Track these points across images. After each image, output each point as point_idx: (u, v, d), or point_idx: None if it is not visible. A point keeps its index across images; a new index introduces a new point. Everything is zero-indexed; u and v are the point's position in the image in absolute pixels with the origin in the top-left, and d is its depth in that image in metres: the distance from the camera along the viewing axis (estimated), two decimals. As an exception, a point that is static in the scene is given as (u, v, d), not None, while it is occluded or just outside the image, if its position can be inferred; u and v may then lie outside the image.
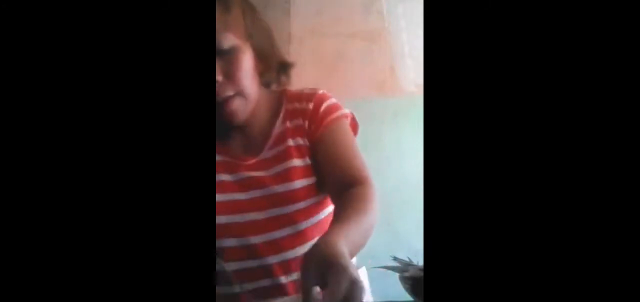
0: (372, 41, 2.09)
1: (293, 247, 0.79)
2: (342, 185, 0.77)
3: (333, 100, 0.84)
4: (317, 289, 0.56)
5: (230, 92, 0.74)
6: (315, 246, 0.59)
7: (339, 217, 0.70)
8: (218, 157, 0.78)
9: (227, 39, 0.73)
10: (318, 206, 0.82)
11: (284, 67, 0.83)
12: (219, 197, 0.76)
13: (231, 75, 0.74)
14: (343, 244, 0.59)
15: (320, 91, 0.84)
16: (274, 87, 0.85)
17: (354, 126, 0.86)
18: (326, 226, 0.78)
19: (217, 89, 0.72)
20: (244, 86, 0.75)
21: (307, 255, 0.57)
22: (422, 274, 0.76)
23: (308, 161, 0.80)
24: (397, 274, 0.82)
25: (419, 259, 0.74)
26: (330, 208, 0.83)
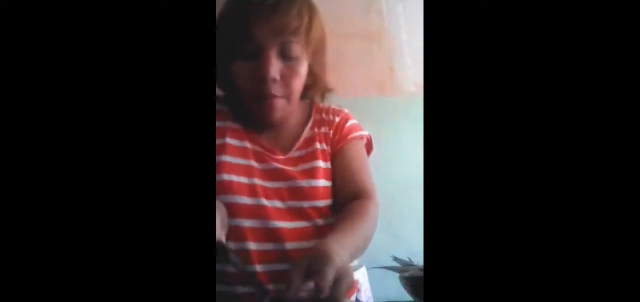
0: (371, 41, 2.08)
1: (310, 239, 0.83)
2: (348, 195, 0.84)
3: (356, 121, 0.93)
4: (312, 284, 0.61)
5: (278, 93, 0.80)
6: (311, 249, 0.65)
7: (337, 226, 0.76)
8: (249, 145, 0.85)
9: (298, 49, 0.80)
10: (331, 209, 0.87)
11: (325, 91, 0.92)
12: (246, 180, 0.81)
13: (286, 80, 0.80)
14: (337, 248, 0.65)
15: (346, 110, 0.94)
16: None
17: (369, 147, 0.95)
18: None
19: (270, 86, 0.79)
20: (293, 92, 0.82)
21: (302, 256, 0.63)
22: (422, 274, 0.76)
23: (329, 165, 0.87)
24: (397, 274, 0.82)
25: (419, 259, 0.74)
26: None
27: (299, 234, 0.82)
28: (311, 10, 0.82)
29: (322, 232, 0.84)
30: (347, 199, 0.84)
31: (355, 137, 0.90)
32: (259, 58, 0.78)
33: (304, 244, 0.82)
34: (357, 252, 0.77)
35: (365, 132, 0.93)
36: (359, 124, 0.93)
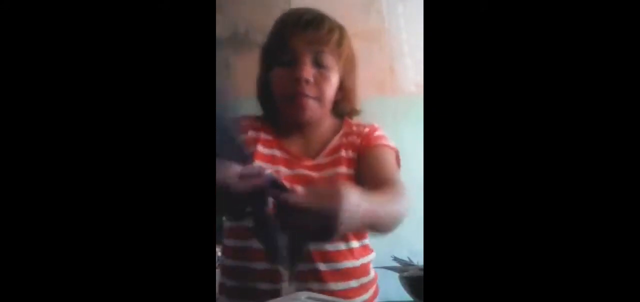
0: (371, 41, 2.09)
1: (334, 242, 0.85)
2: (376, 185, 0.83)
3: (384, 133, 0.96)
4: None
5: (311, 93, 0.88)
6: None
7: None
8: (278, 153, 0.91)
9: (329, 60, 0.89)
10: None
11: (353, 113, 0.98)
12: None
13: (318, 83, 0.89)
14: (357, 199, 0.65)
15: (378, 125, 0.98)
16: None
17: (397, 162, 0.95)
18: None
19: (303, 85, 0.87)
20: (323, 96, 0.90)
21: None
22: (422, 274, 0.76)
23: (352, 171, 0.90)
24: (397, 274, 0.82)
25: (419, 259, 0.75)
26: None
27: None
28: (341, 30, 0.92)
29: (344, 238, 0.86)
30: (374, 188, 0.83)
31: (384, 145, 0.92)
32: (295, 63, 0.87)
33: (327, 245, 0.84)
34: (376, 219, 0.75)
35: (393, 144, 0.94)
36: (388, 137, 0.95)
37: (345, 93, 0.94)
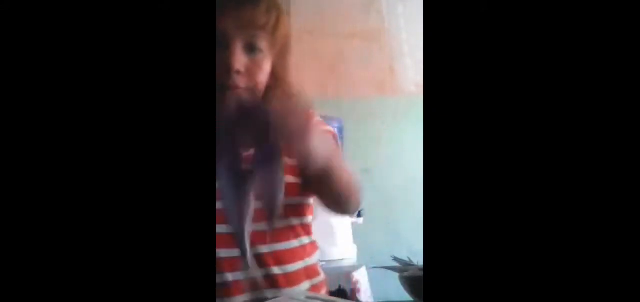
0: (371, 41, 2.09)
1: (287, 240, 0.82)
2: None
3: (320, 119, 0.92)
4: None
5: (241, 84, 0.80)
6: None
7: None
8: None
9: (263, 44, 0.81)
10: (302, 208, 0.86)
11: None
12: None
13: (250, 73, 0.80)
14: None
15: (311, 111, 0.92)
16: None
17: (335, 141, 0.92)
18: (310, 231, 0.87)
19: (233, 77, 0.79)
20: (257, 85, 0.82)
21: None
22: (422, 274, 0.76)
23: (295, 162, 0.85)
24: (397, 274, 0.82)
25: (419, 259, 0.75)
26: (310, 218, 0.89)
27: (271, 237, 0.80)
28: (279, 9, 0.84)
29: (299, 232, 0.84)
30: None
31: (323, 131, 0.87)
32: (223, 49, 0.78)
33: (279, 246, 0.82)
34: (339, 179, 0.75)
35: (329, 127, 0.91)
36: (323, 121, 0.91)
37: (276, 80, 0.86)
